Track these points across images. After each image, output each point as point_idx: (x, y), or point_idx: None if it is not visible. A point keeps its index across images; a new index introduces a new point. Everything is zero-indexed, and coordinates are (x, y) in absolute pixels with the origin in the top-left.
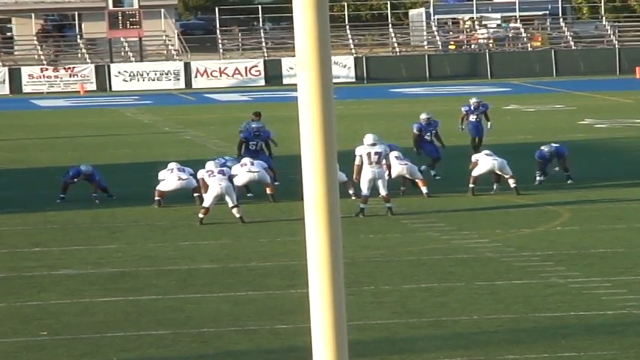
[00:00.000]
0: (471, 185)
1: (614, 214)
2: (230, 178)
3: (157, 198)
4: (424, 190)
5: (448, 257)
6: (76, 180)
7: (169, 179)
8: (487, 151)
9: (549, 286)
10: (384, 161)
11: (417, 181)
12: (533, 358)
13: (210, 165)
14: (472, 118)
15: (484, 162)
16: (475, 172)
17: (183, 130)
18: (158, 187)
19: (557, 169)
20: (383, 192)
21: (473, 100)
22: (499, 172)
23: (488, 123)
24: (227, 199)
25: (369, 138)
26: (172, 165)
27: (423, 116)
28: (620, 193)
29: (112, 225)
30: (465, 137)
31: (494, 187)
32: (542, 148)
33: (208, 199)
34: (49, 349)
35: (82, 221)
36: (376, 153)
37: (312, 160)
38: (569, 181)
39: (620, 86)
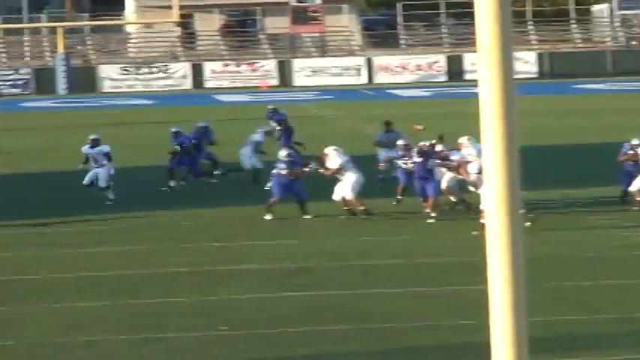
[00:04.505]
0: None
1: None
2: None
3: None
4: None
5: (631, 254)
6: None
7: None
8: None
9: None
10: None
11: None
12: None
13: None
14: None
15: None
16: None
17: (364, 126)
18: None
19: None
20: None
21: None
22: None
23: None
24: None
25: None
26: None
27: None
28: None
29: (293, 220)
30: None
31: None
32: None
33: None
34: (228, 344)
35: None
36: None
37: (493, 157)
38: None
39: None
